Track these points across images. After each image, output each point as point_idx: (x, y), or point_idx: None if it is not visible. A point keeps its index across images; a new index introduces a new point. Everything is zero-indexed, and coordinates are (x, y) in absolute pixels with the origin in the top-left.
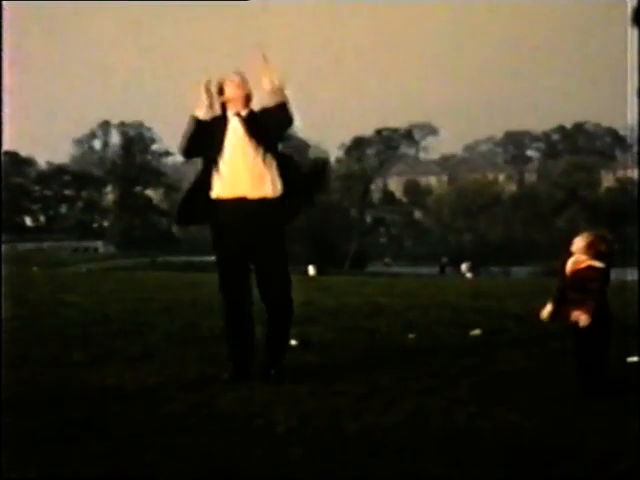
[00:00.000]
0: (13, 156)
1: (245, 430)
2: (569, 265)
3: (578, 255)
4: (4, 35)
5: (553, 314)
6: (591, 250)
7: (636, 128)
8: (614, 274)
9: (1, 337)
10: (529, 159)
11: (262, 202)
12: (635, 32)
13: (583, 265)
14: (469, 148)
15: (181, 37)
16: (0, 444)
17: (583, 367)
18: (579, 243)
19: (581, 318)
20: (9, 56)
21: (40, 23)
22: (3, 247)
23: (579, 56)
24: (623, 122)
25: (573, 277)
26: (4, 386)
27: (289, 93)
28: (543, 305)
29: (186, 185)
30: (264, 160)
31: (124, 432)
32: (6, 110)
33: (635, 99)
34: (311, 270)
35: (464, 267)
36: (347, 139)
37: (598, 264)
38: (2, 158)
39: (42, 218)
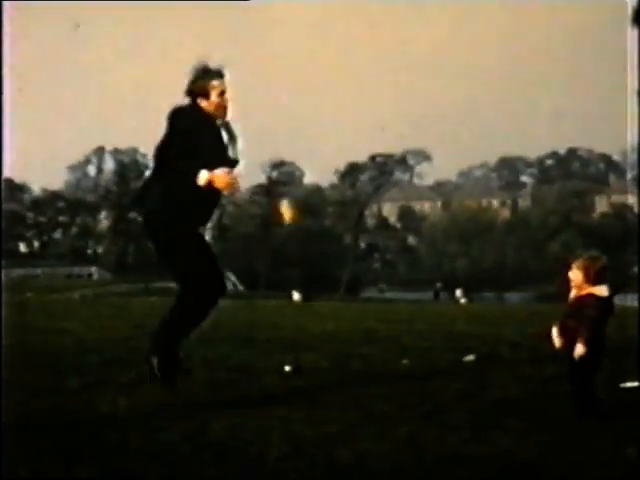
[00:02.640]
0: (8, 182)
1: (239, 458)
2: (572, 294)
3: (580, 284)
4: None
5: (565, 343)
6: (589, 276)
7: (635, 147)
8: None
9: (1, 361)
10: (523, 185)
11: None
12: (635, 32)
13: (583, 292)
14: (463, 174)
15: (177, 63)
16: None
17: (576, 391)
18: (576, 275)
19: (577, 348)
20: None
21: (34, 51)
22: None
23: (577, 64)
24: (617, 147)
25: (573, 305)
26: None
27: (283, 118)
28: (537, 331)
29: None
30: None
31: (118, 460)
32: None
33: (635, 99)
34: (295, 296)
35: (458, 293)
36: (341, 165)
37: (598, 292)
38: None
39: (36, 244)
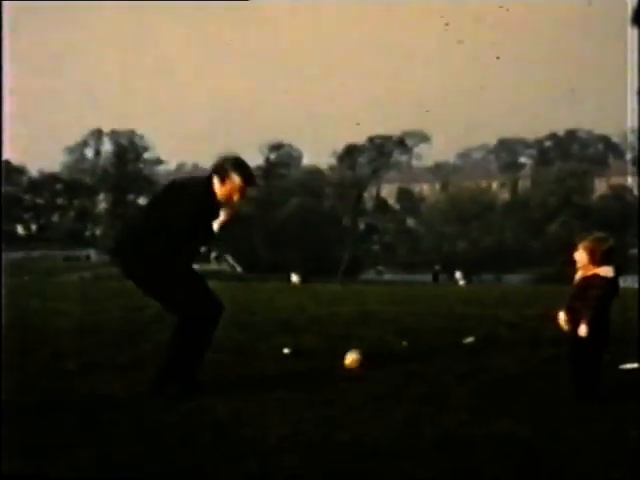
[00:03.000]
0: (5, 164)
1: (238, 439)
2: (578, 275)
3: (586, 265)
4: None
5: (570, 323)
6: (594, 257)
7: (636, 129)
8: None
9: (1, 343)
10: (522, 166)
11: None
12: (635, 32)
13: (589, 273)
14: (462, 156)
15: (175, 47)
16: (0, 448)
17: (577, 372)
18: (582, 256)
19: (580, 328)
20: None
21: (31, 33)
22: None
23: (577, 57)
24: (616, 129)
25: (578, 286)
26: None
27: (283, 100)
28: (537, 312)
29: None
30: None
31: (115, 441)
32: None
33: (635, 99)
34: (294, 278)
35: (458, 274)
36: (339, 147)
37: (604, 272)
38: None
39: (34, 227)
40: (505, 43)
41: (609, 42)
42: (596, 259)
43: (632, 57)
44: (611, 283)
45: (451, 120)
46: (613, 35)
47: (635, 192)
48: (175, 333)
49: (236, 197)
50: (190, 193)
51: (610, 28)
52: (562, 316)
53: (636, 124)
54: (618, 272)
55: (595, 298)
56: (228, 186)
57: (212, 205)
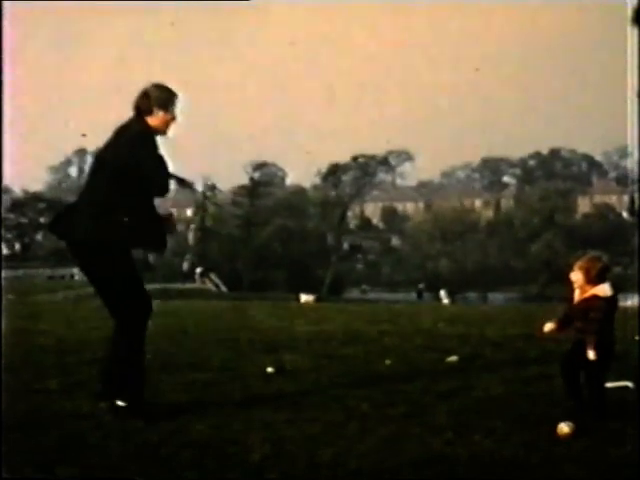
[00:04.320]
0: None
1: (220, 458)
2: (576, 294)
3: (582, 284)
4: None
5: (554, 332)
6: (590, 276)
7: (636, 130)
8: None
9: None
10: (506, 185)
11: None
12: (635, 32)
13: (587, 295)
14: (446, 174)
15: (157, 63)
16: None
17: (574, 389)
18: (577, 276)
19: (588, 354)
20: None
21: (16, 53)
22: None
23: (576, 63)
24: (599, 148)
25: (578, 306)
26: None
27: (266, 119)
28: (520, 332)
29: (161, 212)
30: None
31: (98, 460)
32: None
33: (635, 99)
34: (304, 298)
35: (442, 293)
36: (323, 166)
37: (602, 292)
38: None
39: (17, 246)
40: (490, 60)
41: (609, 42)
42: (592, 278)
43: (632, 57)
44: (610, 301)
45: (435, 139)
46: (613, 35)
47: (618, 210)
48: (117, 340)
49: (174, 120)
50: (129, 130)
51: (610, 28)
52: (550, 325)
53: (636, 126)
54: (616, 289)
55: (597, 321)
56: (172, 114)
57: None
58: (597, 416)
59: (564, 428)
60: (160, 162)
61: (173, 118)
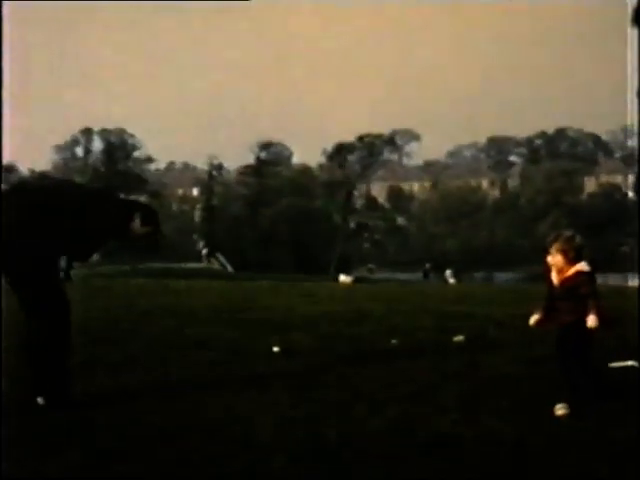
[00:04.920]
0: (8, 168)
1: (227, 437)
2: (555, 277)
3: (562, 266)
4: None
5: (540, 322)
6: (569, 256)
7: (635, 130)
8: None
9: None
10: (512, 165)
11: None
12: (635, 32)
13: (571, 273)
14: (452, 154)
15: (166, 46)
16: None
17: (569, 372)
18: (556, 259)
19: (590, 319)
20: None
21: (24, 33)
22: None
23: (577, 58)
24: (605, 127)
25: (563, 286)
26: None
27: (273, 99)
28: (526, 312)
29: (168, 192)
30: None
31: (107, 440)
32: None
33: (635, 99)
34: (343, 278)
35: (448, 273)
36: (329, 145)
37: (584, 268)
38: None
39: None
40: (499, 42)
41: (609, 42)
42: (570, 258)
43: (632, 57)
44: (593, 275)
45: (441, 118)
46: (613, 35)
47: (624, 190)
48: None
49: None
50: (115, 211)
51: (610, 28)
52: (536, 316)
53: (636, 125)
54: (593, 267)
55: (593, 291)
56: (145, 230)
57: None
58: (600, 396)
59: (559, 410)
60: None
61: (142, 235)
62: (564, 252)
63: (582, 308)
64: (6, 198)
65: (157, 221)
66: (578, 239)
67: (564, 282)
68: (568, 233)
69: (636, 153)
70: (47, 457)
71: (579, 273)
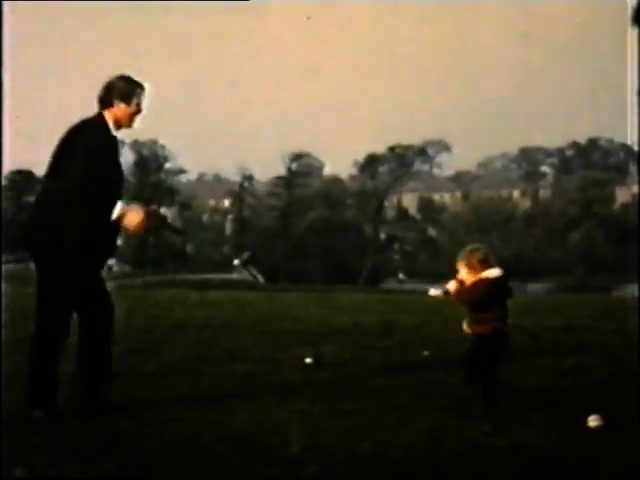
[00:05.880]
0: (27, 175)
1: (259, 449)
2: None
3: (467, 278)
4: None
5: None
6: (474, 268)
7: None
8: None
9: (1, 358)
10: (543, 175)
11: None
12: (635, 32)
13: (475, 279)
14: (483, 165)
15: (196, 56)
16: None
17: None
18: (464, 273)
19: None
20: (17, 78)
21: (45, 41)
22: (15, 267)
23: (576, 57)
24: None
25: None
26: (19, 403)
27: (304, 110)
28: (559, 323)
29: (199, 203)
30: None
31: (139, 451)
32: (20, 130)
33: (635, 99)
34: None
35: None
36: (360, 156)
37: (489, 275)
38: (14, 177)
39: None
40: (530, 50)
41: (609, 42)
42: (476, 269)
43: (632, 57)
44: (495, 283)
45: (472, 129)
46: (613, 35)
47: None
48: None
49: (139, 113)
50: (84, 132)
51: (610, 28)
52: (465, 324)
53: (636, 125)
54: (506, 273)
55: (477, 295)
56: (135, 105)
57: (112, 137)
58: (487, 405)
59: (592, 422)
60: (89, 156)
61: (137, 111)
62: (469, 265)
63: (494, 317)
64: None
65: None
66: (482, 250)
67: (468, 288)
68: (472, 245)
69: None
70: (80, 466)
71: (480, 279)
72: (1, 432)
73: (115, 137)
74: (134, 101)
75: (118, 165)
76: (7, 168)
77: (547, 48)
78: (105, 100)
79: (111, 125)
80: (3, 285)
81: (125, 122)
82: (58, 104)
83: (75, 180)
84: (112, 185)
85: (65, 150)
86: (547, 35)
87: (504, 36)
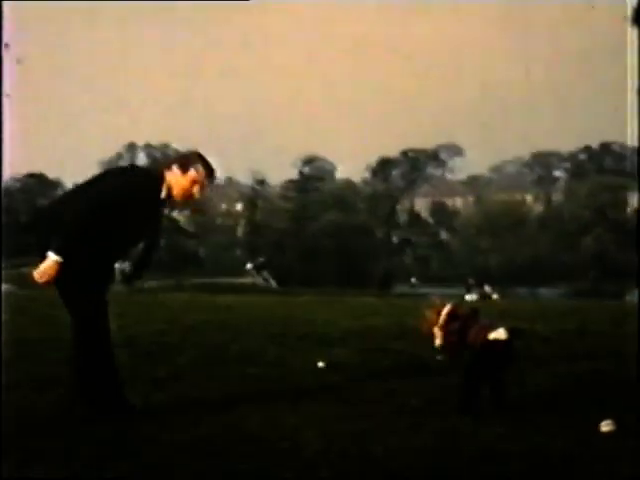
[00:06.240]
0: (40, 178)
1: (272, 453)
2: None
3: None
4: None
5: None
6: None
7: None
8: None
9: (1, 358)
10: (556, 180)
11: None
12: (635, 32)
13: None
14: (496, 169)
15: (206, 59)
16: (1, 448)
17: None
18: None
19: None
20: (29, 82)
21: (61, 45)
22: (28, 270)
23: (576, 57)
24: None
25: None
26: (29, 408)
27: (315, 113)
28: (572, 327)
29: (211, 207)
30: None
31: (153, 454)
32: (32, 133)
33: (635, 99)
34: (468, 297)
35: (487, 288)
36: (373, 160)
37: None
38: (27, 180)
39: None
40: (540, 56)
41: (609, 42)
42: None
43: (632, 57)
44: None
45: (485, 133)
46: (613, 35)
47: None
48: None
49: (196, 189)
50: (130, 176)
51: (610, 28)
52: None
53: (636, 125)
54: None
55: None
56: (191, 178)
57: (155, 200)
58: (460, 410)
59: (604, 427)
60: (100, 202)
61: (190, 187)
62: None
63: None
64: None
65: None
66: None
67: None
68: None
69: None
70: (94, 470)
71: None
72: (1, 432)
73: (157, 198)
74: (190, 174)
75: (143, 224)
76: (15, 171)
77: (551, 48)
78: (170, 162)
79: (164, 187)
80: (15, 289)
81: (177, 191)
82: (59, 105)
83: (86, 206)
84: (120, 235)
85: (107, 175)
86: (548, 35)
87: (510, 38)
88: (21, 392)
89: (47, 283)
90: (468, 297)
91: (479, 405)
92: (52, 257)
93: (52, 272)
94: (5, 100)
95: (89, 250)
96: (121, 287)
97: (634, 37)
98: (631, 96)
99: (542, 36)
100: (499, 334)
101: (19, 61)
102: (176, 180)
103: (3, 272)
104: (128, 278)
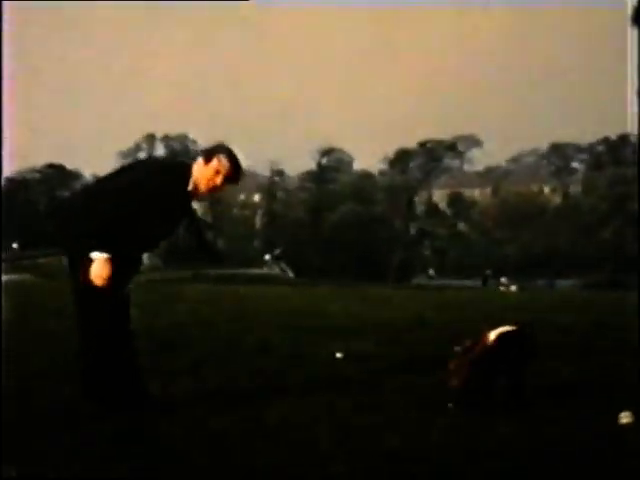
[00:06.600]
0: (60, 169)
1: (289, 445)
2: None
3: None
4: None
5: None
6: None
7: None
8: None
9: (1, 345)
10: (574, 171)
11: None
12: (635, 32)
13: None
14: (513, 160)
15: (225, 51)
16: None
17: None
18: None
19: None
20: (43, 74)
21: (82, 38)
22: (48, 259)
23: (576, 57)
24: None
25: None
26: (48, 397)
27: (334, 105)
28: (591, 319)
29: (229, 197)
30: None
31: (171, 445)
32: (52, 124)
33: (635, 99)
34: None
35: (503, 280)
36: (391, 151)
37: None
38: (47, 171)
39: None
40: (557, 48)
41: (609, 42)
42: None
43: (632, 57)
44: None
45: (503, 124)
46: (613, 35)
47: None
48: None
49: (219, 180)
50: (157, 166)
51: (610, 28)
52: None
53: (636, 125)
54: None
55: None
56: (213, 167)
57: (182, 192)
58: (465, 407)
59: (623, 418)
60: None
61: (213, 177)
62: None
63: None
64: None
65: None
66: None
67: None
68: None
69: None
70: (112, 462)
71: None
72: (1, 432)
73: (184, 191)
74: (213, 164)
75: (171, 217)
76: (34, 163)
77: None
78: (205, 152)
79: (192, 179)
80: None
81: (200, 181)
82: (59, 103)
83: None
84: (146, 227)
85: (135, 167)
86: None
87: (537, 33)
88: (24, 385)
89: (106, 281)
90: (513, 288)
91: (491, 401)
92: (98, 256)
93: (106, 270)
94: (23, 94)
95: (118, 243)
96: (140, 277)
97: (634, 37)
98: (631, 96)
99: (559, 27)
100: (500, 330)
101: (35, 56)
102: (200, 171)
103: (22, 263)
104: (211, 259)
